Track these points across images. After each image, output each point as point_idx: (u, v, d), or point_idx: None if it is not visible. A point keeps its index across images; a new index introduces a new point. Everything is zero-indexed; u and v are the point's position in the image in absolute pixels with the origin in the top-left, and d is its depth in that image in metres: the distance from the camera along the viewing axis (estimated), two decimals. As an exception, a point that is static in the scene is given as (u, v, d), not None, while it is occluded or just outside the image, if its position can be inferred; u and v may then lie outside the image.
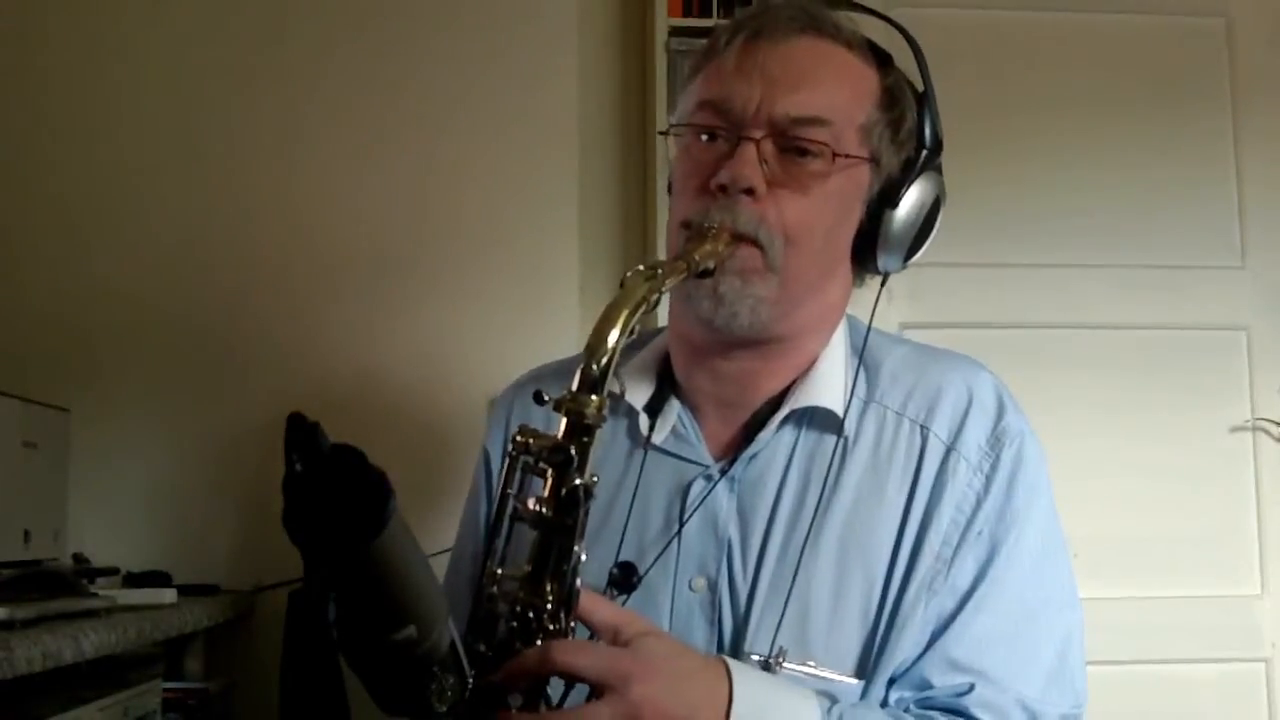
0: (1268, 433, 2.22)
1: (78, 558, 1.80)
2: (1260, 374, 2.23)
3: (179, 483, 2.04)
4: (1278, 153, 2.28)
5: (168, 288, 2.08)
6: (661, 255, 1.08)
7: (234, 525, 2.02)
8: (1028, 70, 2.26)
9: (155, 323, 2.07)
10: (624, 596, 1.03)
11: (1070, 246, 2.22)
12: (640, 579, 1.03)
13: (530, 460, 0.89)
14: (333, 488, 0.73)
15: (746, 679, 0.95)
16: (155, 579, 1.80)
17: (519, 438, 0.89)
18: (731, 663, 0.95)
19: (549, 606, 0.89)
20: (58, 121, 2.09)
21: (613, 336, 0.88)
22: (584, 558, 0.90)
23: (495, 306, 2.11)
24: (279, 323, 2.08)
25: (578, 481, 0.88)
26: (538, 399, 0.89)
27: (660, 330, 1.19)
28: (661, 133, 1.13)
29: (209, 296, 2.08)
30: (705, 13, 2.14)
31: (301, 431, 0.73)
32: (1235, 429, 2.22)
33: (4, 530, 1.56)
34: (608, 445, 1.11)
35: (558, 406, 0.88)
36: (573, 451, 0.88)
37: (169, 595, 1.65)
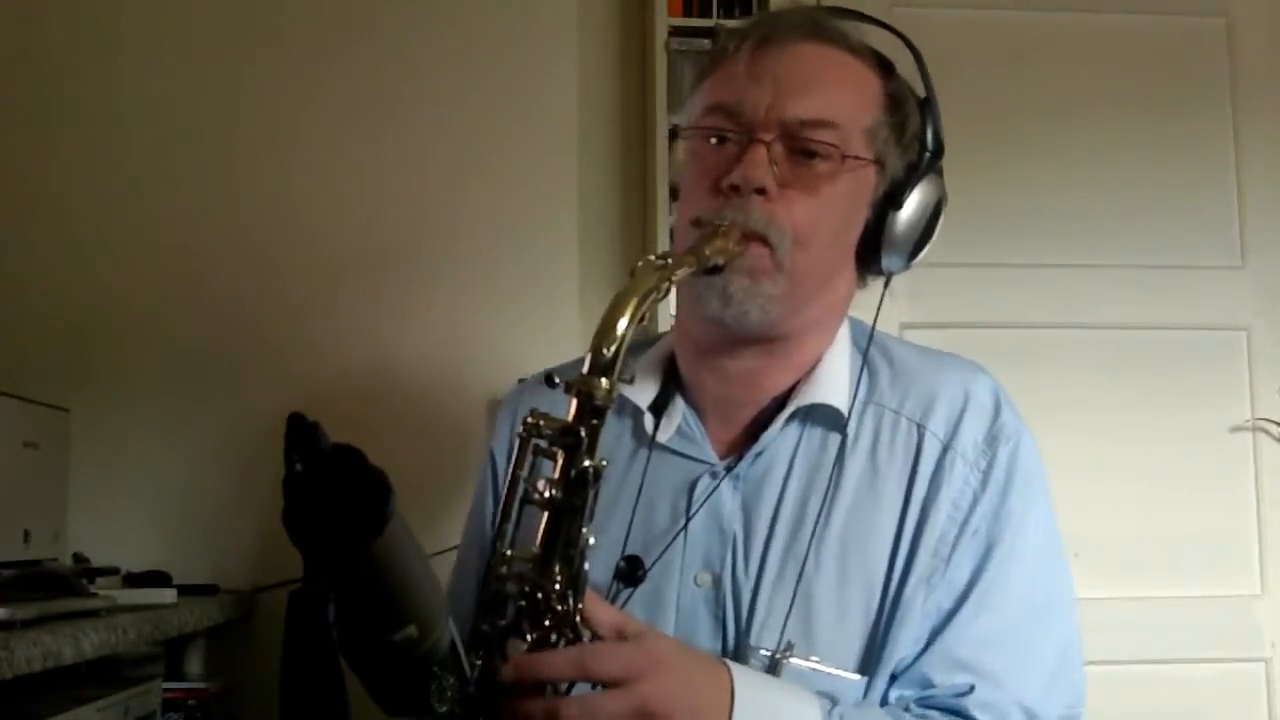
0: (1268, 433, 2.22)
1: (78, 558, 1.80)
2: (1260, 374, 2.23)
3: (179, 483, 2.04)
4: (1278, 153, 2.28)
5: (167, 288, 2.08)
6: (665, 254, 1.09)
7: (234, 525, 2.02)
8: (1028, 70, 2.26)
9: (155, 323, 2.07)
10: (630, 590, 1.04)
11: (1070, 246, 2.22)
12: (646, 572, 1.04)
13: (540, 443, 0.90)
14: (333, 488, 0.74)
15: (748, 680, 0.95)
16: (155, 579, 1.80)
17: (529, 419, 0.89)
18: (733, 665, 0.96)
19: (557, 588, 0.90)
20: (57, 122, 2.09)
21: (622, 323, 0.89)
22: (592, 540, 0.90)
23: (495, 306, 2.11)
24: (278, 323, 2.08)
25: (587, 463, 0.88)
26: (549, 381, 0.90)
27: (664, 333, 1.20)
28: (672, 136, 1.14)
29: (209, 296, 2.08)
30: (705, 13, 2.13)
31: (302, 431, 0.73)
32: (1235, 429, 2.22)
33: (4, 530, 1.56)
34: (613, 444, 1.11)
35: (568, 389, 0.89)
36: (582, 433, 0.88)
37: (169, 595, 1.65)
